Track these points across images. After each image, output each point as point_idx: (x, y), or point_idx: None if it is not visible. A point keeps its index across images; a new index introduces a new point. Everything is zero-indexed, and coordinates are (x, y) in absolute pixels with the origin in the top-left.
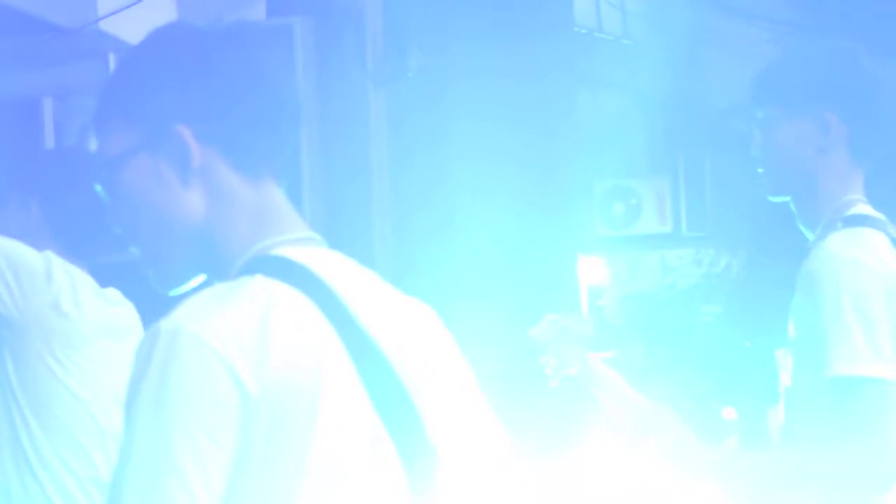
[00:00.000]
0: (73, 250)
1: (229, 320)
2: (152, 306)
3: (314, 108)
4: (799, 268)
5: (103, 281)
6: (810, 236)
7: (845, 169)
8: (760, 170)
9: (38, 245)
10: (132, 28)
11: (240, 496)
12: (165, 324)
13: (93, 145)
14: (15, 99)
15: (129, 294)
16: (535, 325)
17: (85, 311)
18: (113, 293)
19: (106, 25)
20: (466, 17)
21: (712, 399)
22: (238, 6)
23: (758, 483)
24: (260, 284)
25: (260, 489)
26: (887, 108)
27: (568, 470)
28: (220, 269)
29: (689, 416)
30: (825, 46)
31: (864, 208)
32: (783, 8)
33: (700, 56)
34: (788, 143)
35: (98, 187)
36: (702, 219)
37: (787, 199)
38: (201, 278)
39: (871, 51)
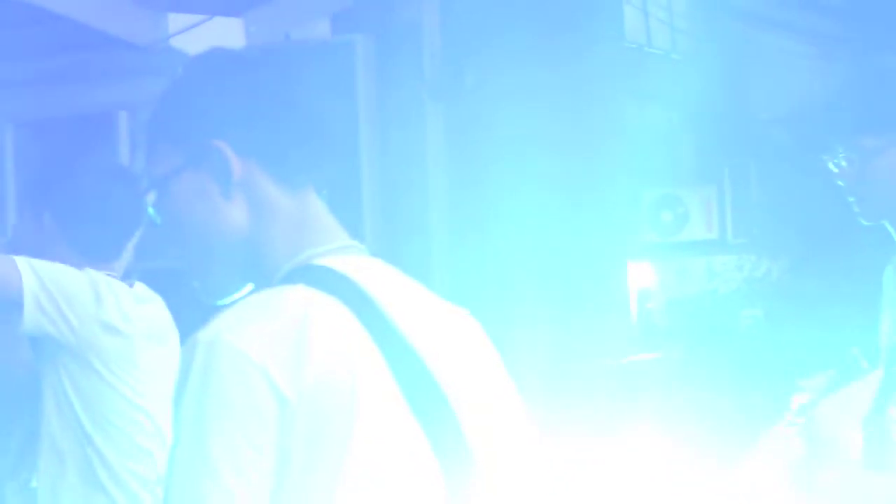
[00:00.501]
0: (89, 260)
1: (266, 329)
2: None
3: (374, 120)
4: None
5: None
6: None
7: None
8: (851, 198)
9: (52, 256)
10: (200, 45)
11: (281, 500)
12: (203, 335)
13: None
14: (91, 112)
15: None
16: (586, 326)
17: (132, 323)
18: (141, 289)
19: (176, 42)
20: (520, 32)
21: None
22: (303, 24)
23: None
24: (299, 294)
25: (300, 493)
26: None
27: (610, 466)
28: (263, 278)
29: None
30: None
31: None
32: (826, 22)
33: (745, 69)
34: (891, 168)
35: (150, 209)
36: (746, 226)
37: (885, 222)
38: (248, 288)
39: None
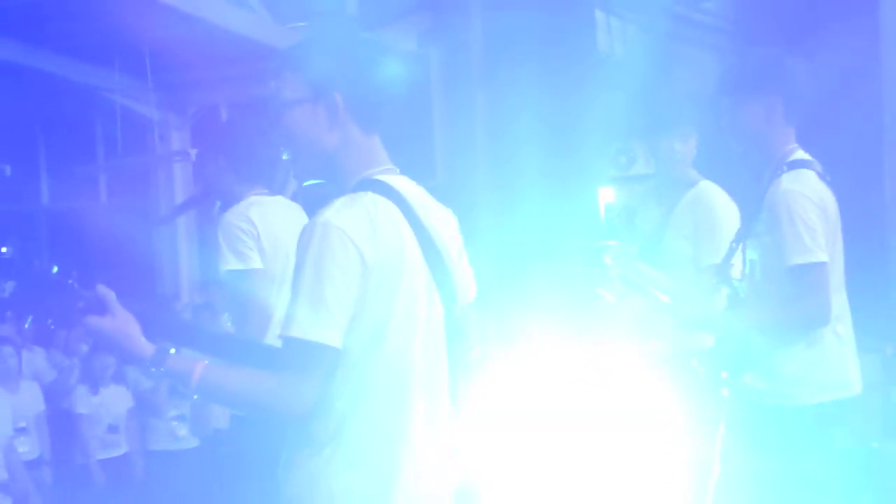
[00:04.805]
0: (251, 184)
1: (355, 217)
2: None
3: (442, 104)
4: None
5: None
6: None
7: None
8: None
9: (227, 182)
10: None
11: (362, 317)
12: (319, 219)
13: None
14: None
15: None
16: (573, 223)
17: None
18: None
19: None
20: (531, 45)
21: None
22: (402, 41)
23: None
24: (369, 197)
25: (372, 314)
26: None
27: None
28: (338, 180)
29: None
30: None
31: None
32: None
33: (670, 67)
34: (736, 118)
35: (272, 118)
36: None
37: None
38: (320, 181)
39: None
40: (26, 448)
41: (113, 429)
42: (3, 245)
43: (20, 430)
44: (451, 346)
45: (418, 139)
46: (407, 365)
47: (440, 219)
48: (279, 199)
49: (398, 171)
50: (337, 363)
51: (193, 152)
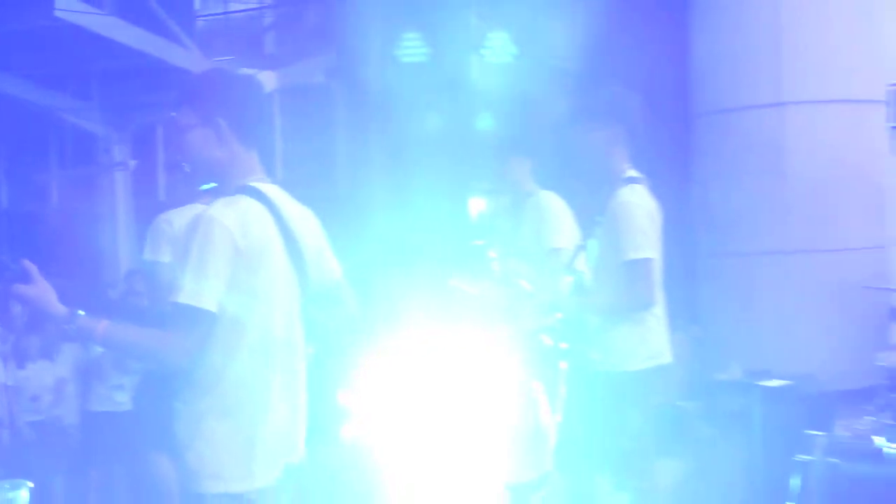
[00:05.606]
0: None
1: (233, 214)
2: None
3: (342, 127)
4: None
5: None
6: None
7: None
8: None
9: (185, 189)
10: None
11: (233, 291)
12: (205, 214)
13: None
14: None
15: None
16: (452, 223)
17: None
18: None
19: None
20: (416, 79)
21: None
22: (309, 76)
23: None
24: (244, 199)
25: (241, 287)
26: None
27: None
28: (223, 185)
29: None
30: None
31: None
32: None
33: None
34: (584, 144)
35: (173, 144)
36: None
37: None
38: (211, 185)
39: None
40: None
41: (35, 398)
42: None
43: None
44: (305, 317)
45: (324, 155)
46: (268, 332)
47: (301, 218)
48: None
49: (270, 179)
50: (213, 325)
51: (132, 163)
